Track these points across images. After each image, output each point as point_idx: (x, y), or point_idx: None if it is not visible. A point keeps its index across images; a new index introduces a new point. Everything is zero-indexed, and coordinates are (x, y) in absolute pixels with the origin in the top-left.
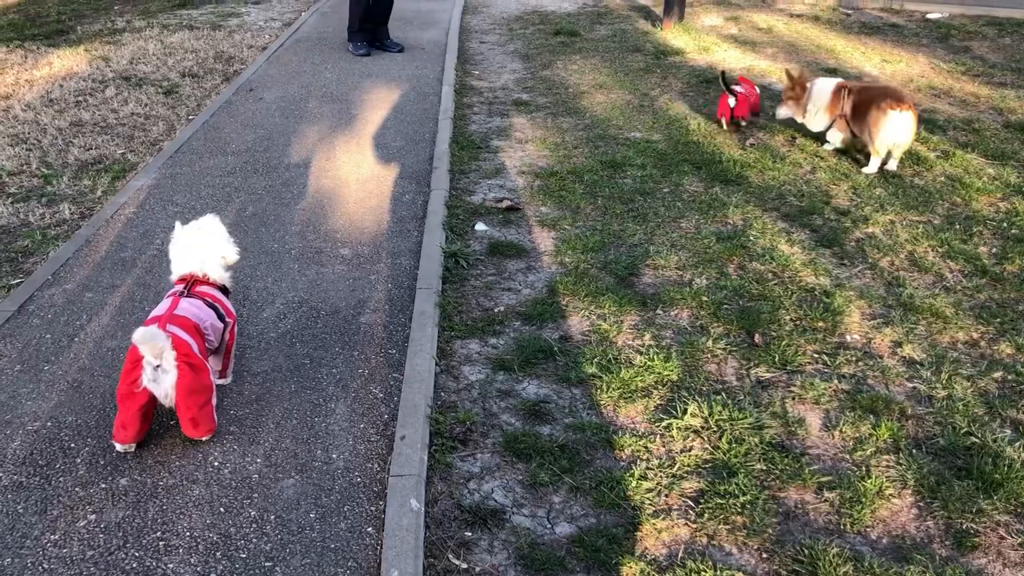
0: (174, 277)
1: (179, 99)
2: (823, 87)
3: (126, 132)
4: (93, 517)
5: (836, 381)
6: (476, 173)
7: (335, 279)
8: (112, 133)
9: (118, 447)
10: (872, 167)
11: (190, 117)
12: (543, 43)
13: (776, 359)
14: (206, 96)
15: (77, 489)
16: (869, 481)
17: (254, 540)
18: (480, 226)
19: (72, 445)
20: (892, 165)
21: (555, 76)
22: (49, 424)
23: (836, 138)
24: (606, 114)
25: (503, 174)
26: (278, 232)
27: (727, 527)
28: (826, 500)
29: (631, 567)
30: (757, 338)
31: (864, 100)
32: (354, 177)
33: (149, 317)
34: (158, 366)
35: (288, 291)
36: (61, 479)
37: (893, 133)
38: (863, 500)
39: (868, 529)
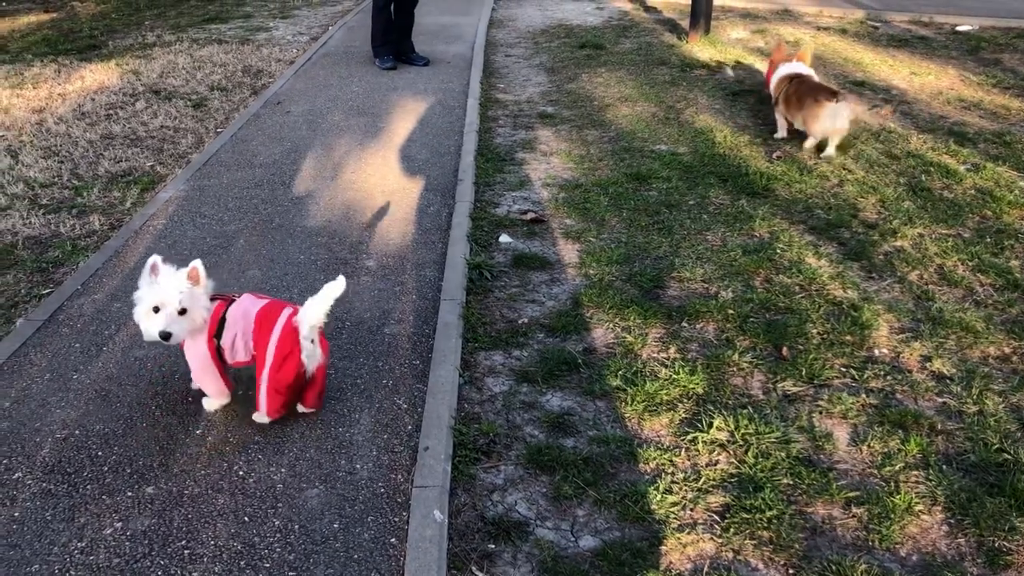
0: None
1: (208, 112)
2: (780, 71)
3: (155, 145)
4: (119, 525)
5: (864, 395)
6: (501, 185)
7: (360, 290)
8: (142, 146)
9: (266, 419)
10: (808, 144)
11: (218, 130)
12: (568, 56)
13: (803, 373)
14: (234, 109)
15: (104, 497)
16: (898, 497)
17: (278, 550)
18: (504, 238)
19: (99, 453)
20: (830, 151)
21: (580, 89)
22: (77, 432)
23: (780, 122)
24: (631, 126)
25: (528, 186)
26: (304, 243)
27: (753, 542)
28: (854, 516)
29: None
30: (784, 351)
31: (802, 92)
32: (380, 189)
33: (259, 308)
34: (313, 340)
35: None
36: (88, 487)
37: (829, 123)
38: (892, 516)
39: (897, 546)
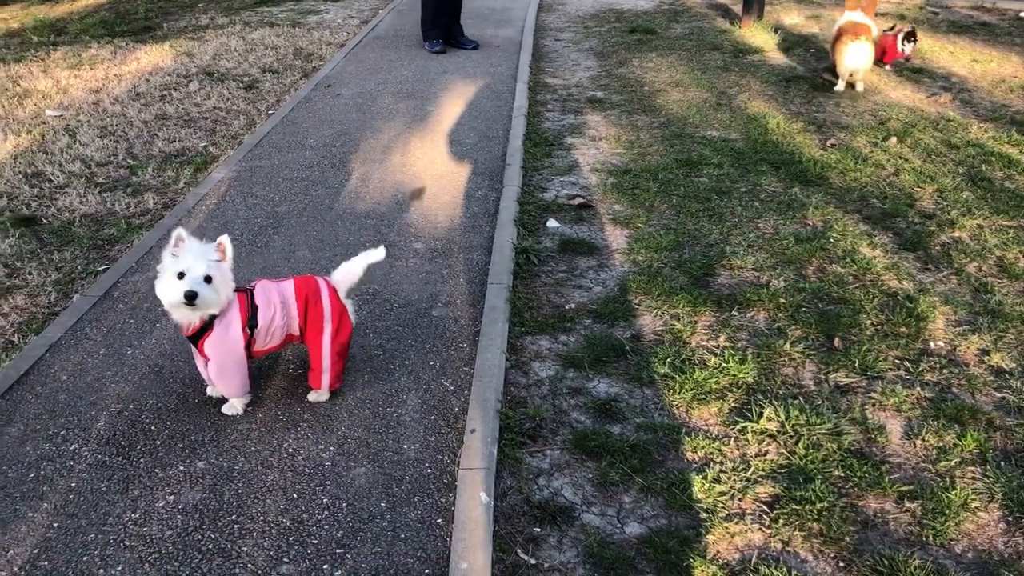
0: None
1: (259, 94)
2: (840, 19)
3: (208, 126)
4: (172, 498)
5: (919, 388)
6: (549, 170)
7: (408, 272)
8: (195, 126)
9: (326, 396)
10: (839, 86)
11: (269, 112)
12: (618, 41)
13: (856, 364)
14: (285, 92)
15: (157, 470)
16: (953, 493)
17: (326, 527)
18: (552, 223)
19: (153, 427)
20: (859, 87)
21: (630, 74)
22: (131, 406)
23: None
24: (682, 112)
25: (576, 171)
26: (353, 225)
27: (803, 534)
28: (907, 510)
29: (703, 570)
30: (837, 342)
31: (837, 35)
32: (428, 173)
33: (293, 283)
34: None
35: (362, 282)
36: (142, 460)
37: (851, 60)
38: (947, 512)
39: (952, 542)
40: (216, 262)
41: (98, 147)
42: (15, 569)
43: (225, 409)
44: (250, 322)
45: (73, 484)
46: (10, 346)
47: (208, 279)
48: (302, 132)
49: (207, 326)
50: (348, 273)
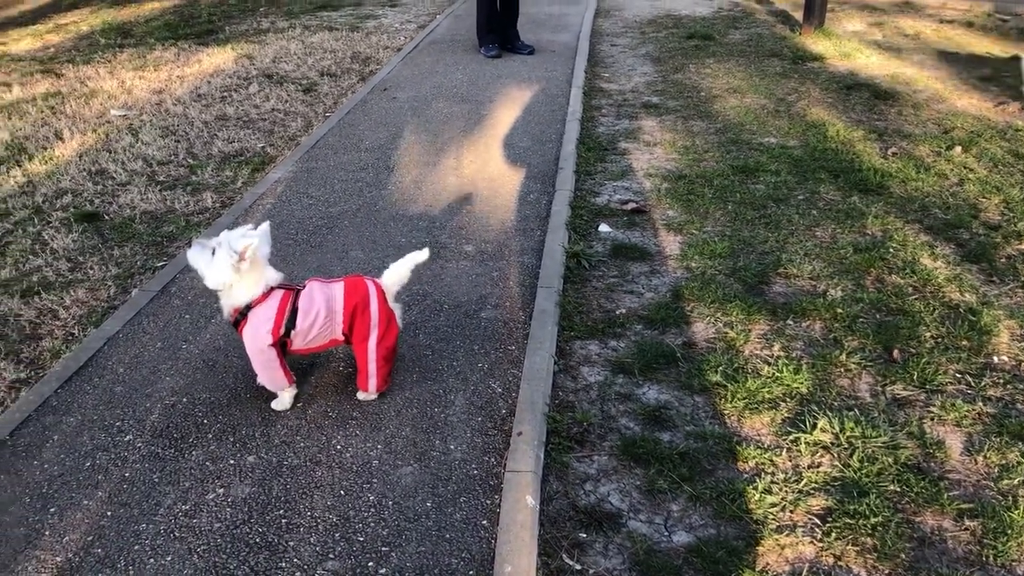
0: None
1: (317, 97)
2: None
3: (266, 127)
4: (221, 491)
5: (981, 404)
6: (602, 175)
7: (458, 274)
8: (253, 127)
9: (374, 396)
10: None
11: (327, 114)
12: (675, 47)
13: (915, 377)
14: (342, 94)
15: (208, 463)
16: (1016, 512)
17: (372, 524)
18: (604, 227)
19: (205, 421)
20: None
21: (687, 79)
22: (185, 400)
23: None
24: (739, 118)
25: (629, 176)
26: (405, 227)
27: (856, 548)
28: (967, 528)
29: None
30: (895, 354)
31: None
32: (480, 176)
33: (342, 286)
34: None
35: (413, 283)
36: (193, 453)
37: None
38: (1009, 532)
39: (1014, 563)
40: (233, 252)
41: (160, 146)
42: (69, 555)
43: (274, 404)
44: (287, 323)
45: (127, 474)
46: (70, 338)
47: (213, 252)
48: (358, 134)
49: (242, 316)
50: (396, 275)
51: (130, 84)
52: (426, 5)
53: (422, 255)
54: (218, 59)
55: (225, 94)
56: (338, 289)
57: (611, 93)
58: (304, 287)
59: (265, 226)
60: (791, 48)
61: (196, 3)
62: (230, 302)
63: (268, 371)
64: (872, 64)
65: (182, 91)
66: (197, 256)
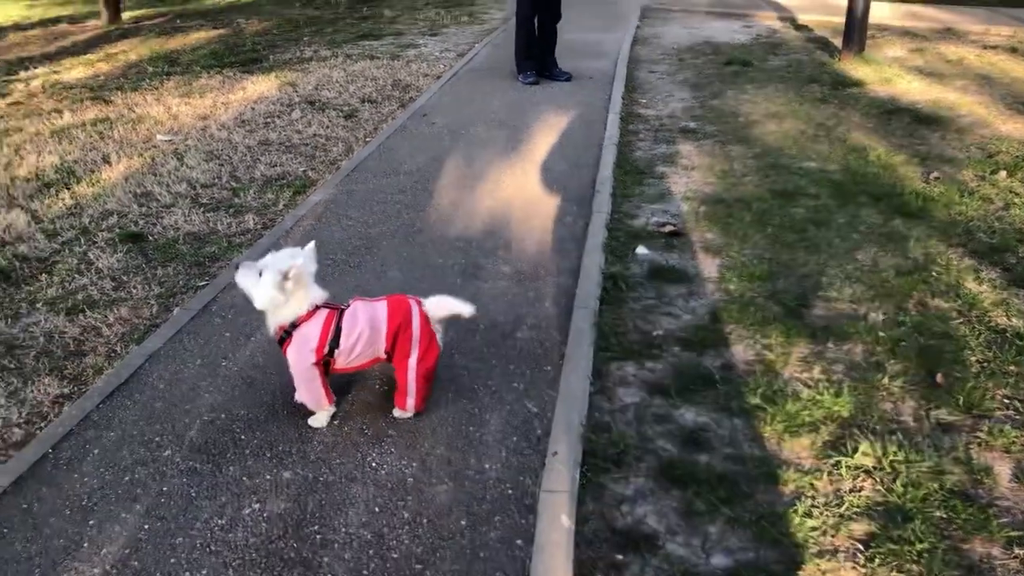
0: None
1: (358, 122)
2: None
3: (308, 151)
4: (257, 506)
5: None
6: (639, 198)
7: (495, 295)
8: (295, 152)
9: (409, 414)
10: None
11: (367, 139)
12: (713, 73)
13: (960, 402)
14: (383, 120)
15: (244, 479)
16: None
17: (406, 542)
18: (641, 250)
19: (243, 437)
20: None
21: (725, 105)
22: (223, 416)
23: None
24: (778, 143)
25: (667, 199)
26: (442, 247)
27: (901, 575)
28: (1016, 557)
29: None
30: (939, 378)
31: None
32: (517, 198)
33: (386, 305)
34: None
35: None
36: (231, 468)
37: None
38: None
39: None
40: (279, 273)
41: (204, 170)
42: (107, 567)
43: (311, 421)
44: (331, 343)
45: (164, 488)
46: (112, 354)
47: (260, 273)
48: (397, 158)
49: (287, 335)
50: (441, 307)
51: (176, 110)
52: (465, 35)
53: (468, 309)
54: (262, 86)
55: (268, 120)
56: (382, 308)
57: (648, 119)
58: (348, 307)
59: (311, 246)
60: (830, 74)
61: (241, 33)
62: (276, 320)
63: (310, 389)
64: (913, 89)
65: (226, 117)
66: (244, 277)
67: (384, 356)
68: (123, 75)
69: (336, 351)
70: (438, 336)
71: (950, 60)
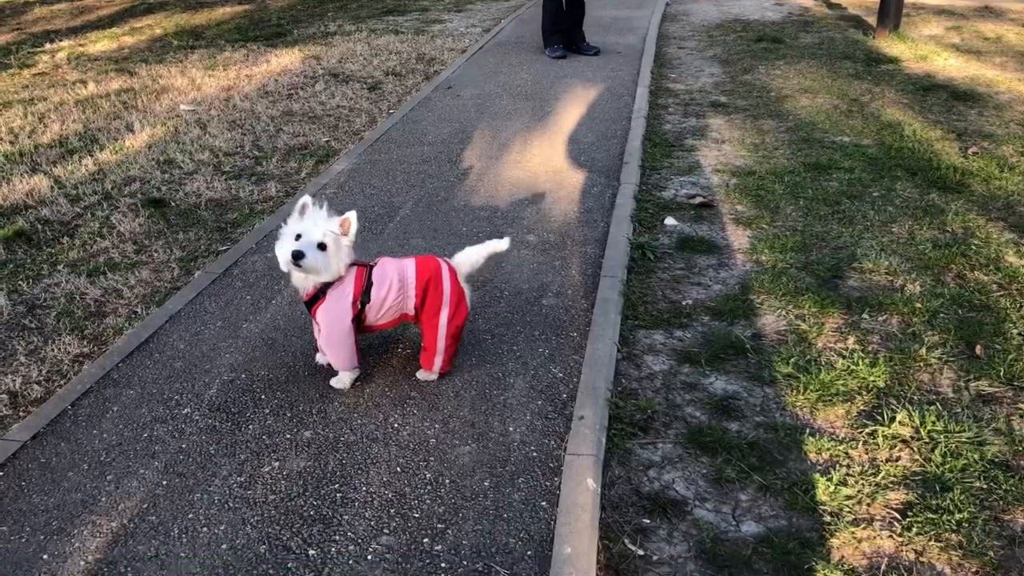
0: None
1: (382, 95)
2: None
3: (331, 122)
4: (277, 464)
5: None
6: (668, 170)
7: (519, 263)
8: (318, 123)
9: (435, 376)
10: None
11: (391, 111)
12: (744, 49)
13: (1000, 373)
14: (407, 93)
15: (264, 437)
16: None
17: (428, 501)
18: (670, 221)
19: (263, 396)
20: None
21: (756, 80)
22: (243, 376)
23: None
24: (811, 118)
25: (697, 172)
26: (467, 216)
27: (939, 544)
28: None
29: (826, 575)
30: (979, 350)
31: None
32: (543, 169)
33: (414, 262)
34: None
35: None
36: (250, 427)
37: None
38: None
39: None
40: (335, 234)
41: (226, 139)
42: (125, 521)
43: (333, 382)
44: (363, 296)
45: (183, 446)
46: (133, 316)
47: (322, 246)
48: (421, 129)
49: (320, 294)
50: (471, 258)
51: (200, 82)
52: (491, 10)
53: (502, 244)
54: (285, 59)
55: (291, 91)
56: (410, 264)
57: (678, 93)
58: (376, 263)
59: (352, 214)
60: (864, 51)
61: (265, 8)
62: (313, 281)
63: (343, 347)
64: (950, 66)
65: (250, 88)
66: (314, 253)
67: (412, 313)
68: (148, 48)
69: (367, 306)
70: (467, 295)
71: (988, 38)
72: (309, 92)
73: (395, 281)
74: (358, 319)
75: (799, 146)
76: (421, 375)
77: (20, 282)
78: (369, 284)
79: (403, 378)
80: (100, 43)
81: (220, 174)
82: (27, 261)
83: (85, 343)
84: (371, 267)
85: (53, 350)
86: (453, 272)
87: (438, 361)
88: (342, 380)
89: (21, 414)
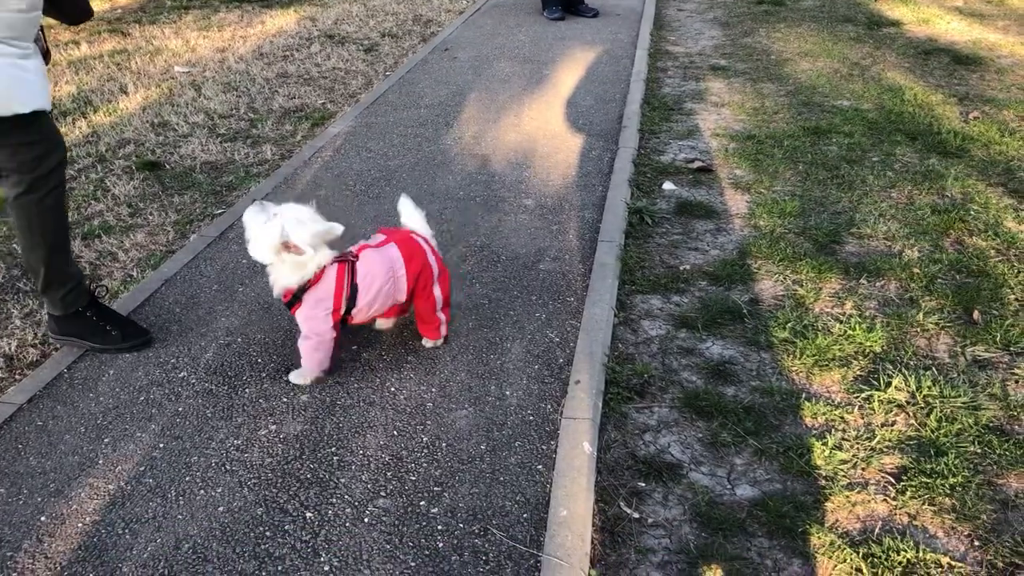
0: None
1: (378, 57)
2: None
3: (327, 84)
4: (274, 427)
5: None
6: (667, 134)
7: (516, 227)
8: (314, 85)
9: (440, 342)
10: None
11: (387, 73)
12: (745, 11)
13: (997, 339)
14: (403, 55)
15: (261, 400)
16: None
17: (424, 464)
18: (668, 185)
19: (259, 360)
20: None
21: (756, 43)
22: (240, 339)
23: None
24: (811, 81)
25: (695, 136)
26: (464, 180)
27: (933, 508)
28: None
29: (820, 537)
30: (976, 315)
31: None
32: (541, 133)
33: (400, 251)
34: None
35: (471, 235)
36: (247, 390)
37: None
38: None
39: None
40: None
41: (221, 101)
42: (121, 483)
43: (292, 376)
44: (348, 303)
45: (180, 409)
46: (129, 279)
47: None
48: (418, 92)
49: (296, 298)
50: (418, 222)
51: (194, 43)
52: None
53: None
54: (281, 21)
55: (287, 53)
56: (395, 255)
57: (677, 56)
58: (358, 257)
59: (311, 209)
60: (866, 14)
61: None
62: (280, 283)
63: (317, 352)
64: (952, 30)
65: (245, 50)
66: (253, 218)
67: (404, 300)
68: (141, 8)
69: (353, 310)
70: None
71: (991, 1)
72: (304, 54)
73: (385, 283)
74: (344, 318)
75: (799, 110)
76: (428, 343)
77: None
78: (354, 288)
79: (399, 342)
80: (93, 3)
81: (215, 136)
82: None
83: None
84: (353, 264)
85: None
86: (431, 246)
87: (444, 328)
88: (303, 375)
89: (17, 377)
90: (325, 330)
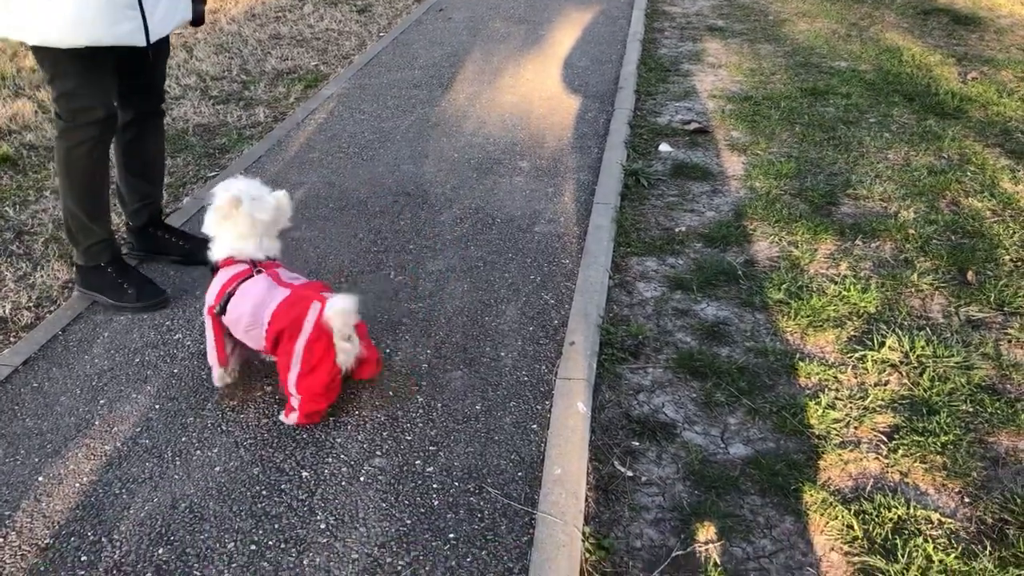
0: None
1: (371, 17)
2: None
3: (320, 46)
4: (269, 388)
5: None
6: (663, 95)
7: (512, 189)
8: (307, 46)
9: (292, 422)
10: None
11: (381, 34)
12: None
13: (991, 299)
14: (397, 15)
15: (256, 362)
16: None
17: (420, 425)
18: (664, 147)
19: None
20: None
21: (754, 3)
22: None
23: None
24: (809, 42)
25: (692, 97)
26: (458, 142)
27: (924, 466)
28: None
29: (812, 495)
30: (970, 276)
31: None
32: (537, 94)
33: (282, 298)
34: (350, 337)
35: (465, 198)
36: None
37: None
38: None
39: None
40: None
41: (213, 63)
42: (118, 444)
43: (213, 375)
44: (221, 308)
45: (175, 370)
46: (122, 242)
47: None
48: (412, 53)
49: (213, 272)
50: (345, 307)
51: None
52: None
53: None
54: None
55: (279, 14)
56: (272, 302)
57: (674, 16)
58: (260, 272)
59: (282, 195)
60: None
61: None
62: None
63: (207, 340)
64: None
65: (237, 11)
66: (222, 192)
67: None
68: None
69: (223, 317)
70: (344, 350)
71: None
72: (297, 15)
73: (246, 315)
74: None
75: (796, 71)
76: (283, 417)
77: (7, 208)
78: (230, 297)
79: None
80: None
81: (207, 99)
82: (12, 187)
83: (74, 269)
84: (248, 278)
85: (42, 276)
86: (319, 327)
87: (293, 416)
88: (214, 375)
89: (12, 339)
90: (206, 308)
